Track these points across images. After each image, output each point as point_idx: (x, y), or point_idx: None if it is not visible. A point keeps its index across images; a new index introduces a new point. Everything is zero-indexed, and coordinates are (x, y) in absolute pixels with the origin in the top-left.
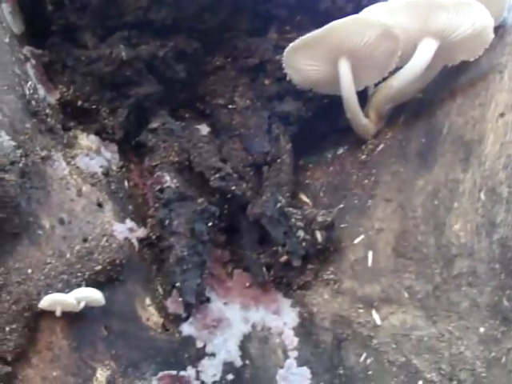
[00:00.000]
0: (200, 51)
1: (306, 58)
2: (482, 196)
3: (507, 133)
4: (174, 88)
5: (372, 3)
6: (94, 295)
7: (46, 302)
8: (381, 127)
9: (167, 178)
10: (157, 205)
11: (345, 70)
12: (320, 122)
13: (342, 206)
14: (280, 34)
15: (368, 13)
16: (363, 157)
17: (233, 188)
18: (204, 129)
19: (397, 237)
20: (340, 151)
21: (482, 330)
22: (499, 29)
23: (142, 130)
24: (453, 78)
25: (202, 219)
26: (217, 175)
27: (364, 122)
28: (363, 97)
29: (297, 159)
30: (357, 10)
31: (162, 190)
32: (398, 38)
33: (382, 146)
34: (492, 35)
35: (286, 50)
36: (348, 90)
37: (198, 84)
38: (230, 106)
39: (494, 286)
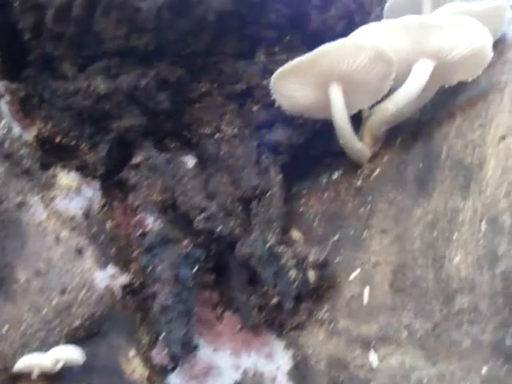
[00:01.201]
0: (184, 78)
1: (295, 84)
2: (483, 226)
3: (509, 157)
4: (158, 118)
5: (364, 21)
6: (72, 355)
7: (21, 364)
8: (377, 150)
9: (150, 219)
10: (139, 250)
11: (336, 95)
12: (313, 146)
13: (336, 237)
14: (269, 56)
15: (360, 35)
16: (358, 183)
17: (218, 229)
18: (190, 161)
19: (394, 271)
20: (335, 176)
21: (484, 369)
22: (499, 44)
23: (126, 163)
24: (451, 97)
25: (187, 264)
26: (201, 216)
27: (358, 147)
28: (357, 118)
29: (290, 185)
30: (349, 28)
31: (144, 234)
32: (392, 61)
33: (378, 170)
34: (490, 55)
35: (274, 75)
36: (340, 117)
37: (183, 112)
38: (216, 136)
39: (496, 323)
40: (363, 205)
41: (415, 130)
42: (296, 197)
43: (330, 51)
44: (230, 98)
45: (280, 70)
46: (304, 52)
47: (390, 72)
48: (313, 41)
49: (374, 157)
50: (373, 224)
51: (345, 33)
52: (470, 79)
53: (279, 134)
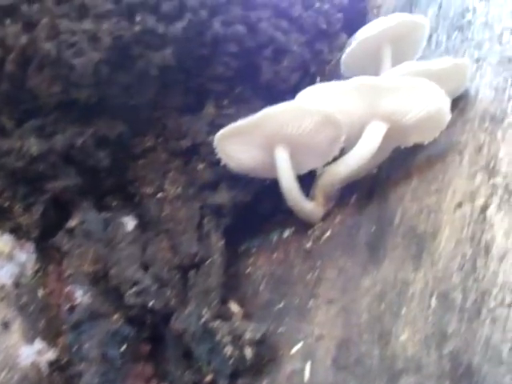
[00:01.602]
0: (126, 134)
1: (239, 145)
2: (434, 301)
3: (464, 227)
4: (98, 176)
5: (321, 70)
6: None
7: None
8: (330, 208)
9: (79, 292)
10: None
11: (282, 159)
12: (263, 203)
13: (281, 305)
14: (218, 109)
15: (309, 96)
16: (308, 244)
17: (151, 303)
18: (130, 223)
19: (338, 345)
20: (286, 234)
21: None
22: (460, 101)
23: (63, 224)
24: (410, 155)
25: (116, 342)
26: (133, 289)
27: (308, 208)
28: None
29: (239, 242)
30: (304, 79)
31: (72, 308)
32: (340, 125)
33: (329, 232)
34: (448, 118)
35: (217, 136)
36: (287, 180)
37: (126, 168)
38: (159, 195)
39: None
40: (311, 270)
41: (371, 188)
42: (245, 255)
43: (273, 115)
44: (175, 155)
45: (222, 131)
46: (256, 104)
47: (339, 135)
48: (265, 92)
49: (327, 216)
50: (319, 293)
51: (300, 84)
52: (426, 141)
53: (223, 197)
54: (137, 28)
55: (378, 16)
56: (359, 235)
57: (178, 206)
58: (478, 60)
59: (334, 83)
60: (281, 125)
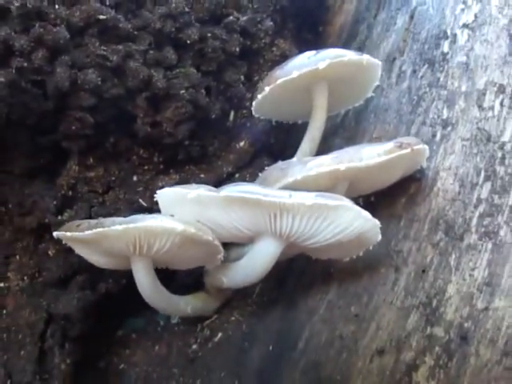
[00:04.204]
0: None
1: (88, 251)
2: None
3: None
4: None
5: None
6: None
7: None
8: (229, 295)
9: None
10: None
11: (141, 275)
12: None
13: None
14: (81, 170)
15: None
16: (194, 347)
17: None
18: None
19: None
20: (174, 320)
21: None
22: (411, 183)
23: None
24: None
25: None
26: None
27: (192, 305)
28: None
29: (118, 322)
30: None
31: None
32: (210, 241)
33: (219, 336)
34: (375, 238)
35: (60, 235)
36: (147, 295)
37: None
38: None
39: None
40: None
41: (281, 281)
42: (122, 343)
43: (128, 231)
44: (21, 233)
45: (67, 234)
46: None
47: (215, 252)
48: (144, 143)
49: (224, 307)
50: None
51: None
52: (346, 259)
53: (68, 306)
54: None
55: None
56: (251, 354)
57: (21, 303)
58: (445, 125)
59: (220, 193)
60: (138, 242)
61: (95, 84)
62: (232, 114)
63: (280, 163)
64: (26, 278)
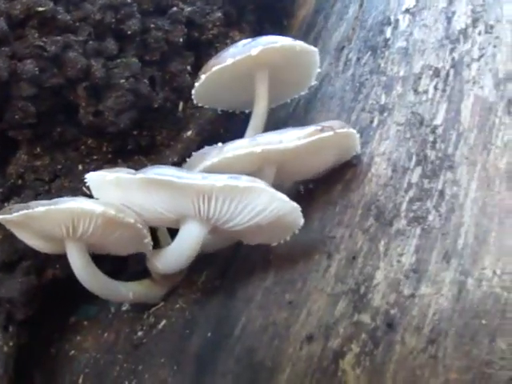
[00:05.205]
0: None
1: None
2: None
3: (307, 376)
4: None
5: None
6: None
7: None
8: (176, 283)
9: None
10: None
11: (73, 257)
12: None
13: None
14: (29, 159)
15: (106, 187)
16: (139, 334)
17: None
18: None
19: None
20: (125, 307)
21: None
22: (347, 169)
23: None
24: None
25: None
26: None
27: (130, 298)
28: None
29: (71, 309)
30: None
31: None
32: (132, 224)
33: (162, 323)
34: (299, 222)
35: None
36: (83, 279)
37: None
38: None
39: None
40: (131, 373)
41: (223, 269)
42: (74, 330)
43: (51, 213)
44: None
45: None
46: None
47: (139, 234)
48: (92, 132)
49: (170, 294)
50: None
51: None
52: (274, 243)
53: (13, 289)
54: None
55: None
56: (192, 340)
57: None
58: (381, 111)
59: (136, 175)
60: (64, 224)
61: (33, 74)
62: (181, 104)
63: (205, 148)
64: None
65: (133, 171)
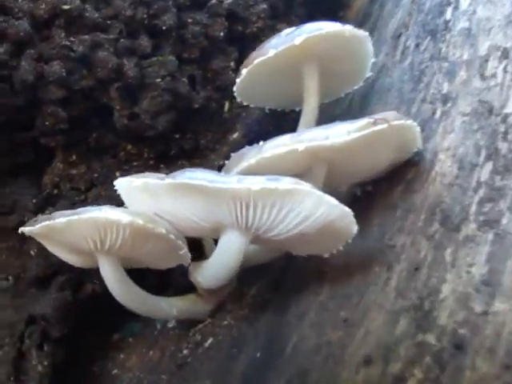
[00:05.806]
0: None
1: (61, 250)
2: None
3: None
4: None
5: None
6: None
7: None
8: (224, 296)
9: None
10: None
11: (106, 271)
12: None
13: None
14: (65, 167)
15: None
16: (184, 353)
17: None
18: None
19: None
20: (171, 324)
21: None
22: (409, 168)
23: None
24: None
25: None
26: None
27: (173, 314)
28: None
29: (115, 326)
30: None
31: None
32: (164, 234)
33: (209, 341)
34: (353, 229)
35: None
36: (118, 294)
37: None
38: None
39: None
40: None
41: (276, 282)
42: (117, 347)
43: (73, 223)
44: (5, 233)
45: (30, 228)
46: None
47: (174, 245)
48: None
49: (218, 310)
50: None
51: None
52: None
53: (48, 304)
54: None
55: None
56: (239, 359)
57: (5, 303)
58: (444, 100)
59: (173, 180)
60: (90, 236)
61: (59, 75)
62: (227, 104)
63: (245, 148)
64: (10, 277)
65: (163, 176)
